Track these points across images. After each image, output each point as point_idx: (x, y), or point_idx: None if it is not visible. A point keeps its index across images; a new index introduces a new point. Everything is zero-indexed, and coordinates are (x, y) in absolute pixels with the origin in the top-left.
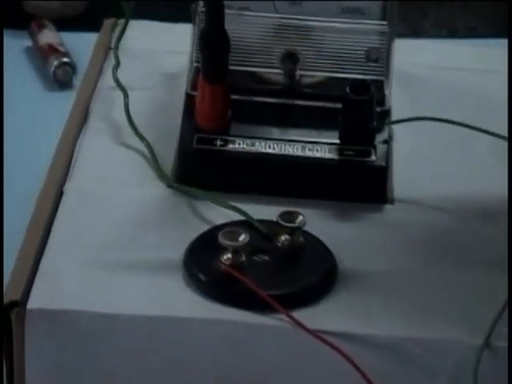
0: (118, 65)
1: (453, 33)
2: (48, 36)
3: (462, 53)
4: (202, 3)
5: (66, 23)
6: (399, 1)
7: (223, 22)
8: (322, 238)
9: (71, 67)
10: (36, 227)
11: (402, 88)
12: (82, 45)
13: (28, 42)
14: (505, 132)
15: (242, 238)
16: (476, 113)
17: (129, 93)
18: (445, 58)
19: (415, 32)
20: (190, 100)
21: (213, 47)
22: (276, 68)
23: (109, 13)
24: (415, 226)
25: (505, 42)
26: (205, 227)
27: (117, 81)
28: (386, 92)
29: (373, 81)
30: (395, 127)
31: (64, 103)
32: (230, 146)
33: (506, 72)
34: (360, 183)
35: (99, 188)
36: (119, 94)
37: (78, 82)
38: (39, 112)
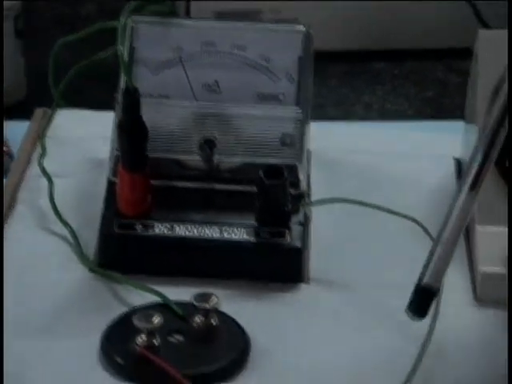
0: (44, 153)
1: (382, 116)
2: None
3: (385, 136)
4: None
5: (7, 110)
6: (335, 86)
7: (139, 112)
8: (238, 318)
9: (9, 156)
10: None
11: (323, 171)
12: (22, 133)
13: None
14: (416, 214)
15: (156, 319)
16: (391, 195)
17: (56, 180)
18: (366, 141)
19: (348, 115)
20: (111, 186)
21: (129, 137)
22: (195, 154)
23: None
24: (329, 305)
25: (431, 124)
26: (125, 310)
27: (43, 169)
28: (301, 176)
29: (288, 165)
30: (315, 209)
31: None
32: (150, 231)
33: (428, 156)
34: (275, 264)
35: (23, 274)
36: (46, 182)
37: None
38: None
